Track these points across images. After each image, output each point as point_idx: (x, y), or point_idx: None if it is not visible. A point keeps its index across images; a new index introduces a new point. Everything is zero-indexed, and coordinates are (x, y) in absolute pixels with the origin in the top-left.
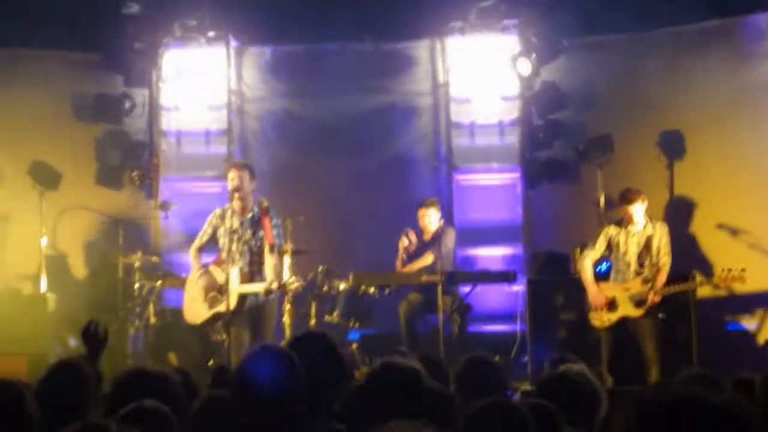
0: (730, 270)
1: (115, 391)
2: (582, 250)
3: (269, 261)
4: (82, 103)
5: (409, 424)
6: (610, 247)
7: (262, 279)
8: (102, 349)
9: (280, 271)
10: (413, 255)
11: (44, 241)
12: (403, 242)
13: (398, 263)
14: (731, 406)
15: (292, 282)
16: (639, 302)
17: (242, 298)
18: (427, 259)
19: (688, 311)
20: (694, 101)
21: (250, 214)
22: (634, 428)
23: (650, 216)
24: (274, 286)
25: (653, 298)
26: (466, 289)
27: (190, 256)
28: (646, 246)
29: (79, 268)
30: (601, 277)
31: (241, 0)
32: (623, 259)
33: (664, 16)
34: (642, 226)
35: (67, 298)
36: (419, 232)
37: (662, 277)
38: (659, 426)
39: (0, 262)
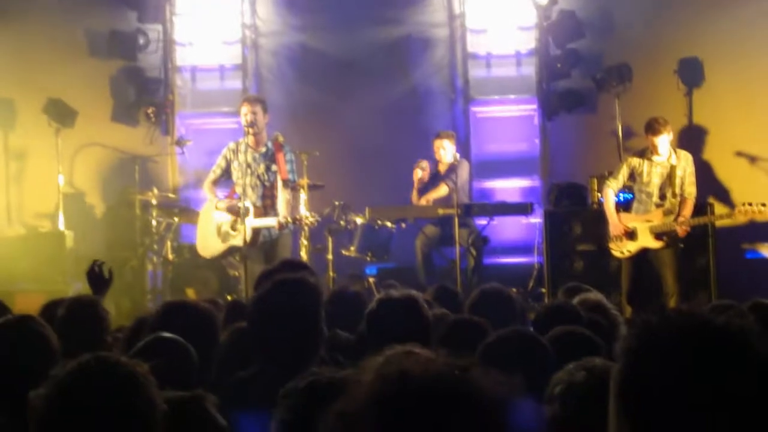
0: (750, 204)
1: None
2: (600, 181)
3: (282, 196)
4: (96, 39)
5: (401, 349)
6: (633, 177)
7: (275, 213)
8: (107, 289)
9: (296, 205)
10: (428, 185)
11: (61, 179)
12: (417, 174)
13: (414, 194)
14: (736, 327)
15: (307, 217)
16: (659, 234)
17: (255, 232)
18: (442, 189)
19: (707, 240)
20: (713, 29)
21: (264, 149)
22: (633, 349)
23: (674, 146)
24: (287, 220)
25: (683, 229)
26: (483, 221)
27: (204, 190)
28: (670, 177)
29: (96, 206)
30: (621, 207)
31: None
32: (645, 190)
33: None
34: (666, 157)
35: (85, 236)
36: (434, 164)
37: (689, 208)
38: (658, 347)
39: (17, 200)
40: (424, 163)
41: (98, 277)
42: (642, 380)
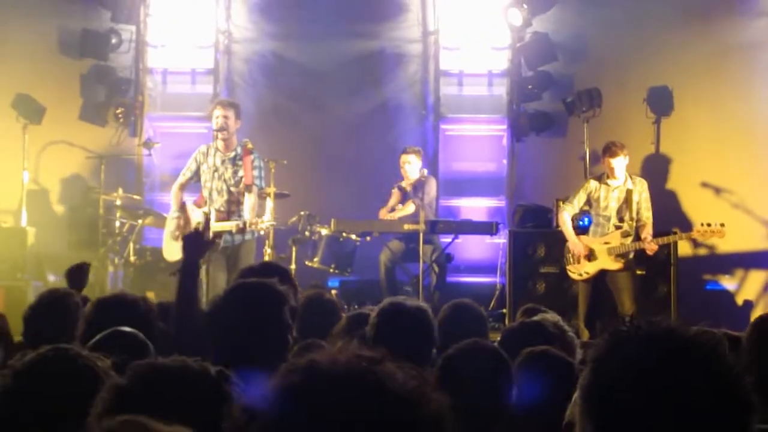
0: (709, 224)
1: (95, 315)
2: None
3: (247, 200)
4: (68, 37)
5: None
6: (590, 201)
7: (238, 218)
8: (82, 289)
9: (260, 213)
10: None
11: (26, 176)
12: (395, 194)
13: (382, 210)
14: (704, 338)
15: (264, 221)
16: (618, 256)
17: (216, 236)
18: (409, 207)
19: (668, 268)
20: (684, 58)
21: (232, 153)
22: (601, 354)
23: (630, 172)
24: (244, 223)
25: (650, 247)
26: (448, 239)
27: (172, 193)
28: (626, 200)
29: (60, 204)
30: (581, 231)
31: None
32: (603, 214)
33: None
34: (622, 181)
35: (48, 233)
36: (401, 179)
37: (649, 230)
38: (625, 352)
39: None
40: (402, 183)
41: (79, 276)
42: (608, 384)
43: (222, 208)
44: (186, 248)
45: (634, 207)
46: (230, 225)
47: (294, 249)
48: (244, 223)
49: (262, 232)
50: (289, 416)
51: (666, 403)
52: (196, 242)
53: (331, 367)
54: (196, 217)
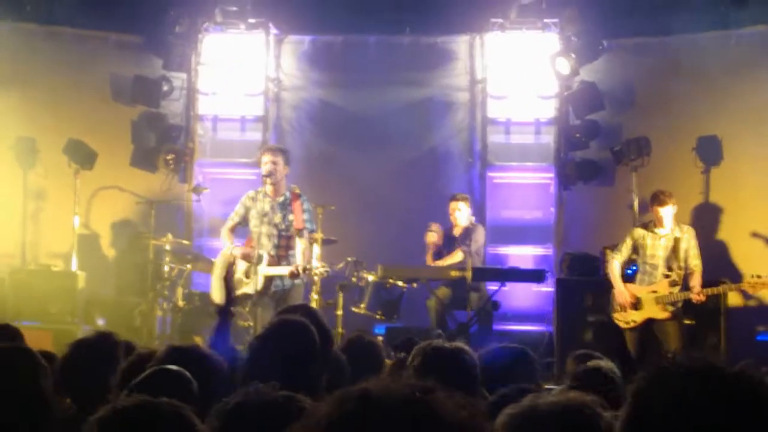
0: (760, 276)
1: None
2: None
3: (298, 245)
4: (120, 84)
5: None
6: (636, 249)
7: (289, 264)
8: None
9: (309, 257)
10: (443, 248)
11: (77, 220)
12: (430, 237)
13: (428, 257)
14: (748, 375)
15: (317, 267)
16: (666, 306)
17: (268, 280)
18: (457, 256)
19: (718, 318)
20: (734, 107)
21: (281, 198)
22: (641, 389)
23: (679, 221)
24: (298, 269)
25: (697, 298)
26: (495, 287)
27: (222, 237)
28: (674, 249)
29: (110, 248)
30: (627, 279)
31: None
32: (650, 262)
33: (707, 20)
34: (670, 229)
35: (97, 278)
36: (450, 226)
37: (697, 279)
38: (666, 387)
39: (33, 238)
40: (435, 227)
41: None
42: (648, 419)
43: (272, 252)
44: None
45: (682, 255)
46: (285, 270)
47: (341, 295)
48: (299, 269)
49: (315, 278)
50: None
51: None
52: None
53: (385, 395)
54: (241, 267)
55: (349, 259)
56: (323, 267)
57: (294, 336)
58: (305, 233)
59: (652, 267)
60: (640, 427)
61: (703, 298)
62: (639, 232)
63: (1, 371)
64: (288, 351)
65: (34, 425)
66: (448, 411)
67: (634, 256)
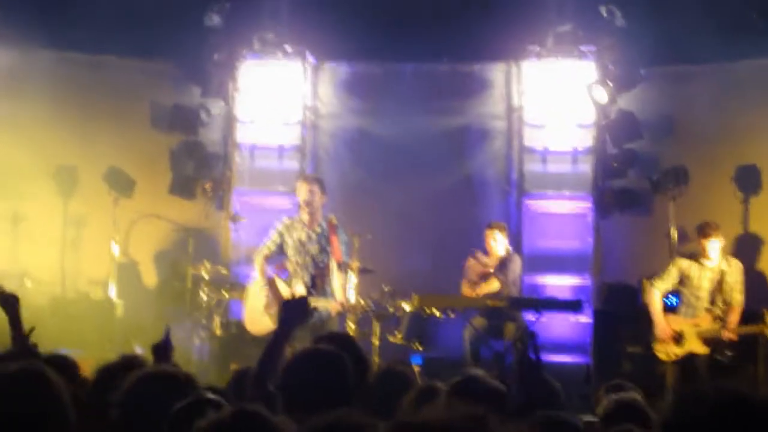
0: None
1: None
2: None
3: (338, 279)
4: (159, 112)
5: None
6: (681, 280)
7: (324, 295)
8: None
9: (346, 289)
10: (480, 278)
11: (116, 248)
12: (473, 266)
13: (464, 286)
14: None
15: (363, 305)
16: (707, 340)
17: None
18: (493, 285)
19: (757, 350)
20: None
21: (318, 229)
22: (669, 420)
23: (725, 253)
24: (345, 305)
25: (728, 335)
26: (532, 317)
27: (257, 264)
28: (720, 283)
29: (148, 276)
30: (668, 309)
31: (319, 16)
32: (695, 294)
33: (745, 49)
34: (717, 262)
35: (136, 305)
36: (485, 254)
37: (736, 316)
38: (694, 418)
39: (72, 266)
40: (479, 254)
41: (164, 352)
42: None
43: (308, 283)
44: (285, 313)
45: (728, 289)
46: (329, 304)
47: (377, 324)
48: (344, 306)
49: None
50: None
51: None
52: (296, 309)
53: (445, 425)
54: (285, 291)
55: (385, 288)
56: (366, 302)
57: (326, 366)
58: (343, 266)
59: (697, 299)
60: None
61: (734, 337)
62: (685, 262)
63: (11, 397)
64: (318, 381)
65: None
66: None
67: (678, 287)
